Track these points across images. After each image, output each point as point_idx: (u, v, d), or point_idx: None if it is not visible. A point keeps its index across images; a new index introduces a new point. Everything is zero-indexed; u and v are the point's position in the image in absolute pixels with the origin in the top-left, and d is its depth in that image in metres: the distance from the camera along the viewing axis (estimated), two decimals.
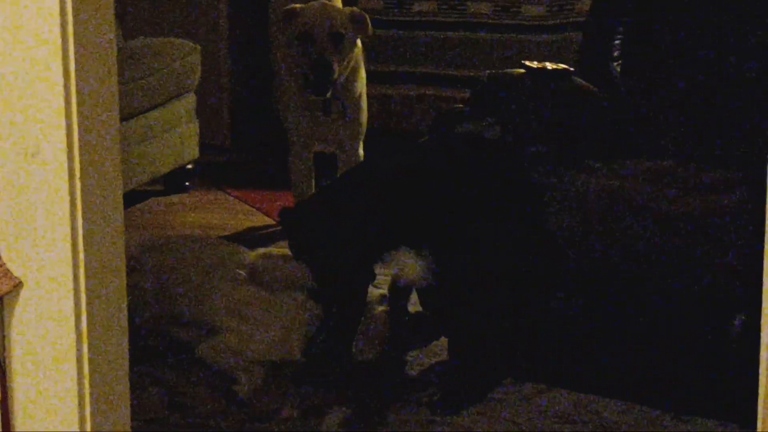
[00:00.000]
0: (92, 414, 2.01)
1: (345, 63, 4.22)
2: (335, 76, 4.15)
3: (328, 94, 4.20)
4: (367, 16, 4.25)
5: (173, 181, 5.26)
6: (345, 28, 4.19)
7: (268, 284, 3.51)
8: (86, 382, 1.99)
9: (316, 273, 3.48)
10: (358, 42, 4.33)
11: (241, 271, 3.56)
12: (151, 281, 3.59)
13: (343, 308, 3.44)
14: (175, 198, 5.23)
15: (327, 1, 4.33)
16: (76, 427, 2.02)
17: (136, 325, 3.48)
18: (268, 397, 3.22)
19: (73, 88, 1.91)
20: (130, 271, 3.52)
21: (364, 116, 4.44)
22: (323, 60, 4.12)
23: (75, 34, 1.90)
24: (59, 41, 1.89)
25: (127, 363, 2.12)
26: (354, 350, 3.45)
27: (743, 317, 2.97)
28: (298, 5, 4.27)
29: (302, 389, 3.26)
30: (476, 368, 3.31)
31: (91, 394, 2.02)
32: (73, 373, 2.01)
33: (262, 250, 3.79)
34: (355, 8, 4.34)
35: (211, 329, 3.44)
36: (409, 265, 3.34)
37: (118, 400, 2.11)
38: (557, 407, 3.15)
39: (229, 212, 5.00)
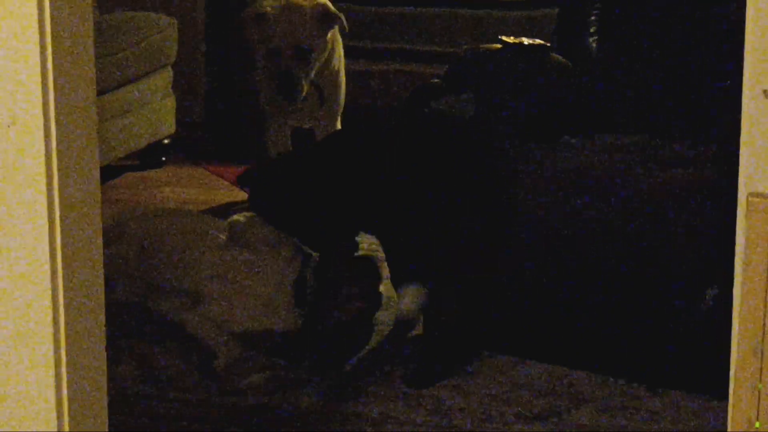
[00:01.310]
0: (69, 386, 2.02)
1: (316, 65, 4.13)
2: (303, 88, 4.09)
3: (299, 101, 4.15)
4: (341, 16, 4.14)
5: (149, 156, 5.25)
6: (312, 39, 4.09)
7: (250, 245, 3.49)
8: (62, 352, 2.00)
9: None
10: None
11: (221, 235, 3.54)
12: (134, 249, 3.58)
13: (324, 278, 3.46)
14: (151, 173, 5.22)
15: (293, 1, 4.18)
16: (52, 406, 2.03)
17: (116, 295, 3.48)
18: (245, 372, 3.23)
19: (49, 60, 1.90)
20: (113, 239, 3.52)
21: (341, 93, 4.42)
22: (289, 76, 4.05)
23: (51, 5, 1.90)
24: (36, 12, 1.89)
25: (103, 342, 2.11)
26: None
27: (716, 290, 3.00)
28: (268, 8, 4.15)
29: (279, 363, 3.27)
30: (452, 343, 3.33)
31: (67, 372, 2.02)
32: (50, 353, 2.01)
33: (239, 214, 3.76)
34: (326, 7, 4.18)
35: (195, 297, 3.43)
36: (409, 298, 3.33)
37: (95, 381, 2.11)
38: (531, 379, 3.17)
39: (206, 187, 5.00)
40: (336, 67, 4.35)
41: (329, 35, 4.18)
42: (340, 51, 4.37)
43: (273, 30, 4.09)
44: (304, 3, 4.16)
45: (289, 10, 4.13)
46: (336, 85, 4.39)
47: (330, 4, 4.23)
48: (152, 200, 4.82)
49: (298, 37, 4.08)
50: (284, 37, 4.07)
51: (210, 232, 3.54)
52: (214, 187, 4.98)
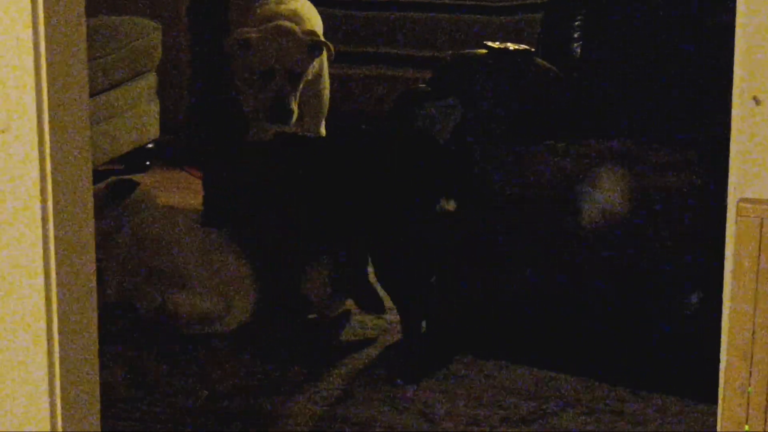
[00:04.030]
0: (62, 387, 2.03)
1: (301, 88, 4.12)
2: (294, 111, 4.03)
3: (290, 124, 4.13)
4: (329, 45, 4.09)
5: (134, 160, 5.25)
6: (304, 64, 4.05)
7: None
8: (56, 357, 2.00)
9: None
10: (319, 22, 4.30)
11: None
12: (128, 238, 3.65)
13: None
14: (135, 177, 5.21)
15: (284, 24, 4.10)
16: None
17: (107, 295, 3.53)
18: (232, 373, 3.25)
19: (43, 65, 1.91)
20: (109, 232, 3.60)
21: (323, 103, 4.40)
22: (281, 101, 3.99)
23: (45, 11, 1.91)
24: (30, 19, 1.90)
25: (96, 344, 2.13)
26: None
27: (700, 294, 3.02)
28: (252, 34, 4.05)
29: (266, 365, 3.29)
30: (431, 341, 3.34)
31: (60, 375, 2.03)
32: (44, 358, 2.01)
33: None
34: (315, 35, 4.13)
35: (183, 284, 3.49)
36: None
37: (88, 383, 2.12)
38: (519, 384, 3.19)
39: (190, 191, 5.00)
40: (319, 85, 4.31)
41: (316, 62, 4.15)
42: (325, 72, 4.32)
43: (263, 53, 4.03)
44: (295, 27, 4.10)
45: (280, 33, 4.04)
46: (317, 100, 4.35)
47: (318, 33, 4.18)
48: None
49: (291, 61, 4.02)
50: (277, 59, 4.01)
51: (190, 216, 3.64)
52: (199, 191, 4.97)
